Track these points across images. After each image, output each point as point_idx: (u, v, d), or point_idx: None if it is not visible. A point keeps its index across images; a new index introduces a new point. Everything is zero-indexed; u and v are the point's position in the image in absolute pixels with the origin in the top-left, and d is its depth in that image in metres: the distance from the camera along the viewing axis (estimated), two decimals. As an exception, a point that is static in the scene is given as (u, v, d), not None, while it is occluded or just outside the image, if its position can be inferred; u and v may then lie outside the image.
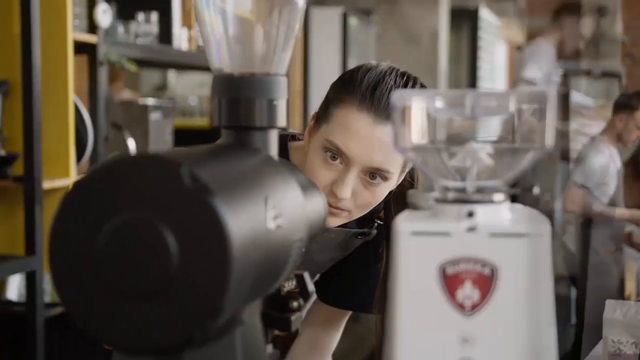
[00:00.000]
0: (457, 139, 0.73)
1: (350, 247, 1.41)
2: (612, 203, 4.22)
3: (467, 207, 0.69)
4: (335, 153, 1.22)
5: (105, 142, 2.72)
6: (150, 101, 3.11)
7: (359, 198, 1.24)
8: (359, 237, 1.39)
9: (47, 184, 2.41)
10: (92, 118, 2.63)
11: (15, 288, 2.60)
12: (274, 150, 0.81)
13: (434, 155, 0.72)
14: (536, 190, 4.22)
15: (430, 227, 0.69)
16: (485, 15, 7.20)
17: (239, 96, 0.79)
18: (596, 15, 9.64)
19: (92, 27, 2.66)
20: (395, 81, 1.24)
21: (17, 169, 2.40)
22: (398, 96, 0.71)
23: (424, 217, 0.71)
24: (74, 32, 2.56)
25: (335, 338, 1.54)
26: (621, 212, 4.33)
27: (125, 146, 2.85)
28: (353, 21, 4.82)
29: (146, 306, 0.60)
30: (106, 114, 2.75)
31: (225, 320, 0.62)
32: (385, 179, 1.23)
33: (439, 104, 0.71)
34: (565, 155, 4.33)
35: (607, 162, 4.12)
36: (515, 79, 4.32)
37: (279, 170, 0.77)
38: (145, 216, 0.61)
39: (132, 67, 2.75)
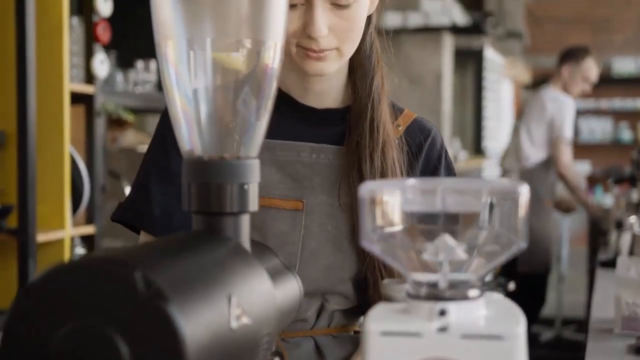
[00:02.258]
0: (429, 232, 0.70)
1: None
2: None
3: (439, 305, 0.66)
4: None
5: (102, 192, 2.70)
6: (150, 148, 3.09)
7: (337, 30, 1.14)
8: None
9: (41, 237, 2.39)
10: (89, 168, 2.62)
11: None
12: (245, 235, 0.78)
13: (404, 248, 0.70)
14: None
15: (400, 327, 0.66)
16: (490, 54, 7.21)
17: (210, 181, 0.77)
18: None
19: (90, 77, 2.66)
20: None
21: (12, 221, 2.38)
22: (366, 188, 0.68)
23: (395, 314, 0.68)
24: (71, 83, 2.56)
25: None
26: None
27: (123, 195, 2.83)
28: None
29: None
30: (103, 164, 2.74)
31: None
32: None
33: (409, 195, 0.68)
34: None
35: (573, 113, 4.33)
36: (549, 134, 4.32)
37: (247, 261, 0.74)
38: (97, 323, 0.59)
39: (129, 117, 2.74)
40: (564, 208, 4.74)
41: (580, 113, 10.11)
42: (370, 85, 1.22)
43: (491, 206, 0.68)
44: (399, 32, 5.24)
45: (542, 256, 4.24)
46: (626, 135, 9.98)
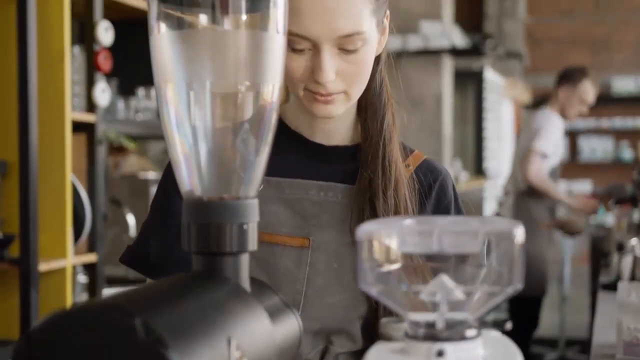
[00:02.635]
0: (426, 272, 0.71)
1: None
2: (552, 175, 4.37)
3: (436, 346, 0.67)
4: (297, 41, 1.10)
5: (104, 220, 2.71)
6: (152, 175, 3.11)
7: (345, 74, 1.13)
8: None
9: (43, 266, 2.39)
10: (91, 196, 2.63)
11: (11, 371, 2.57)
12: (244, 274, 0.79)
13: (401, 289, 0.70)
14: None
15: (398, 368, 0.66)
16: (490, 75, 7.24)
17: (209, 221, 0.78)
18: None
19: (91, 106, 2.67)
20: None
21: (14, 250, 2.39)
22: (363, 230, 0.69)
23: (393, 354, 0.69)
24: (73, 112, 2.57)
25: None
26: (571, 200, 4.55)
27: (125, 222, 2.84)
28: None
29: None
30: (105, 192, 2.75)
31: None
32: (362, 41, 1.12)
33: (406, 237, 0.69)
34: None
35: (560, 134, 4.31)
36: (523, 148, 4.36)
37: (246, 302, 0.75)
38: (98, 369, 0.59)
39: (131, 145, 2.75)
40: (568, 230, 4.72)
41: (581, 132, 10.14)
42: (381, 124, 1.22)
43: (488, 247, 0.68)
44: (399, 55, 5.26)
45: (537, 279, 4.21)
46: (627, 154, 10.00)
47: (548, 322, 6.34)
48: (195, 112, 0.79)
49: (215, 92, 0.78)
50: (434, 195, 1.26)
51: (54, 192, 2.48)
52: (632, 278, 2.85)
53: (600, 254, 4.58)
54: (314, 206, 1.21)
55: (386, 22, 1.21)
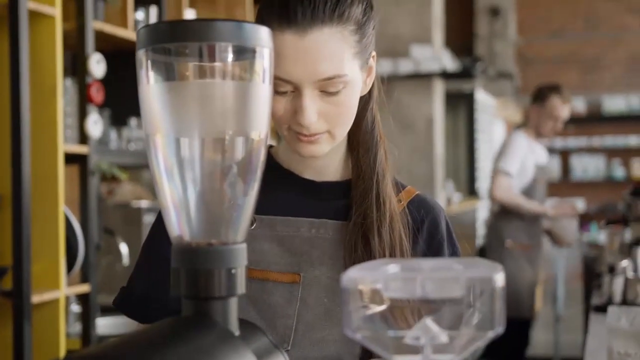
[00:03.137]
0: (411, 316, 0.73)
1: None
2: (528, 197, 4.31)
3: (421, 389, 0.68)
4: (279, 84, 1.12)
5: (97, 250, 2.72)
6: (144, 203, 3.12)
7: (327, 115, 1.14)
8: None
9: (36, 298, 2.40)
10: (83, 227, 2.64)
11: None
12: (233, 318, 0.81)
13: (386, 333, 0.72)
14: None
15: (382, 412, 0.68)
16: (481, 96, 7.29)
17: (198, 267, 0.80)
18: (489, 15, 9.80)
19: (84, 137, 2.69)
20: None
21: (6, 282, 2.40)
22: (348, 277, 0.71)
23: (379, 398, 0.70)
24: (66, 144, 2.59)
25: None
26: (548, 209, 4.45)
27: (118, 252, 2.85)
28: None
29: None
30: (98, 221, 2.76)
31: None
32: (343, 84, 1.13)
33: (390, 283, 0.71)
34: None
35: (526, 152, 4.27)
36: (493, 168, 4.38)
37: (234, 346, 0.77)
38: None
39: (123, 176, 2.77)
40: (558, 241, 4.72)
41: (573, 151, 10.19)
42: (374, 161, 1.23)
43: (470, 292, 0.70)
44: (390, 79, 5.30)
45: (514, 301, 4.15)
46: (619, 172, 10.05)
47: (542, 342, 6.34)
48: (183, 160, 0.81)
49: (203, 141, 0.81)
50: (426, 231, 1.26)
51: (46, 224, 2.49)
52: (624, 300, 2.86)
53: (592, 273, 4.57)
54: (305, 243, 1.22)
55: (372, 62, 1.22)
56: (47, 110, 2.50)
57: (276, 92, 1.13)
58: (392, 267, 0.73)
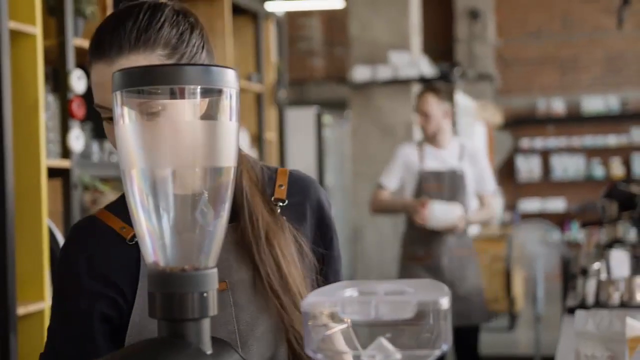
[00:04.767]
0: (366, 336, 0.80)
1: None
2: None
3: (376, 404, 0.75)
4: (103, 112, 1.19)
5: (80, 261, 2.77)
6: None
7: None
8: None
9: (21, 310, 2.45)
10: (67, 239, 2.69)
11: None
12: (206, 337, 0.87)
13: (343, 352, 0.79)
14: None
15: None
16: (461, 99, 7.37)
17: (172, 291, 0.86)
18: (469, 18, 9.86)
19: (66, 152, 2.75)
20: (125, 13, 1.19)
21: (-9, 295, 2.45)
22: (307, 303, 0.78)
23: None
24: (48, 158, 2.64)
25: None
26: (473, 218, 4.12)
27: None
28: (327, 119, 4.94)
29: None
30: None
31: None
32: (162, 106, 1.13)
33: (346, 307, 0.78)
34: None
35: (403, 162, 4.09)
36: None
37: (207, 366, 0.83)
38: None
39: (105, 189, 2.83)
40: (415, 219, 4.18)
41: (553, 151, 10.32)
42: (240, 182, 1.27)
43: (419, 313, 0.77)
44: (369, 85, 5.38)
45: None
46: (599, 171, 10.18)
47: (523, 341, 6.44)
48: (157, 192, 0.87)
49: (175, 174, 0.87)
50: (309, 208, 1.33)
51: (31, 237, 2.54)
52: (597, 302, 2.93)
53: (570, 273, 4.63)
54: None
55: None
56: (29, 125, 2.56)
57: (105, 120, 1.20)
58: (349, 292, 0.80)
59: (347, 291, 0.80)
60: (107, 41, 1.18)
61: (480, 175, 4.11)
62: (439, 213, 3.91)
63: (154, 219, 0.88)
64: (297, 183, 1.34)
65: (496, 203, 4.04)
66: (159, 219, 0.88)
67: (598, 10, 10.02)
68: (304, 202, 1.34)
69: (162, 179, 0.87)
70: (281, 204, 1.31)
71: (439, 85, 4.24)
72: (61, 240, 2.65)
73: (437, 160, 4.11)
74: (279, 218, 1.29)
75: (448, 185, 4.09)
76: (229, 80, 0.87)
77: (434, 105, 4.07)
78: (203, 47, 1.24)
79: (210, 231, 0.89)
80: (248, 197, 1.28)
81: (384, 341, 0.78)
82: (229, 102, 0.87)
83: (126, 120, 0.87)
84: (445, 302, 0.76)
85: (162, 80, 0.85)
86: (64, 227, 2.73)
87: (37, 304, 2.54)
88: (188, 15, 1.23)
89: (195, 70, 0.85)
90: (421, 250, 4.09)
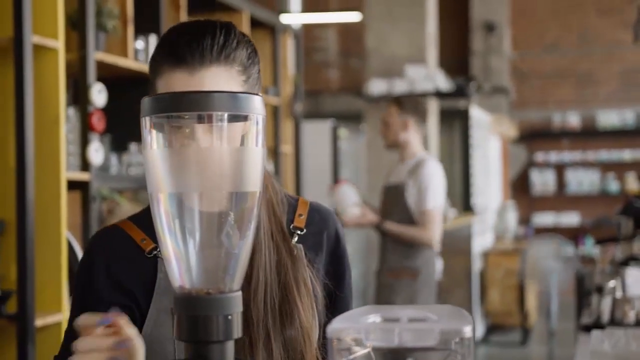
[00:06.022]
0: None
1: None
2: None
3: None
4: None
5: (98, 273, 2.78)
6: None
7: None
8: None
9: (39, 321, 2.47)
10: (85, 251, 2.71)
11: None
12: (229, 359, 0.89)
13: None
14: None
15: None
16: (476, 113, 7.37)
17: (198, 314, 0.88)
18: (485, 31, 9.78)
19: (85, 164, 2.77)
20: (200, 26, 1.20)
21: (11, 306, 2.47)
22: (332, 329, 0.79)
23: None
24: (68, 171, 2.67)
25: None
26: (391, 226, 3.98)
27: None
28: (343, 132, 4.95)
29: None
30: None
31: None
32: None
33: (370, 334, 0.79)
34: None
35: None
36: None
37: (231, 388, 0.85)
38: None
39: (124, 202, 2.85)
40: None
41: (568, 165, 10.28)
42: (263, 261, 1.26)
43: (442, 341, 0.78)
44: (385, 99, 5.38)
45: None
46: (613, 186, 10.13)
47: (536, 356, 6.41)
48: (184, 216, 0.89)
49: (201, 198, 0.89)
50: (326, 238, 1.34)
51: (50, 249, 2.56)
52: (612, 320, 2.92)
53: (584, 289, 4.59)
54: None
55: None
56: (50, 138, 2.58)
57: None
58: (372, 317, 0.81)
59: (370, 317, 0.81)
60: (187, 52, 1.17)
61: (419, 190, 3.92)
62: (342, 195, 3.94)
63: (180, 242, 0.89)
64: (317, 214, 1.35)
65: (436, 227, 3.86)
66: (185, 241, 0.89)
67: (614, 24, 10.00)
68: (321, 232, 1.34)
69: (188, 203, 0.89)
70: (299, 232, 1.30)
71: (405, 99, 4.22)
72: (79, 252, 2.67)
73: (394, 175, 4.10)
74: (294, 247, 1.29)
75: (388, 199, 4.06)
76: (256, 106, 0.88)
77: (394, 116, 4.06)
78: (259, 72, 1.26)
79: (235, 253, 0.90)
80: (264, 224, 1.27)
81: (408, 365, 0.79)
82: (256, 128, 0.89)
83: (154, 145, 0.88)
84: (468, 330, 0.77)
85: (190, 107, 0.87)
86: (82, 239, 2.76)
87: (56, 315, 2.56)
88: (250, 40, 1.25)
89: (222, 97, 0.87)
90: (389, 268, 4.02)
